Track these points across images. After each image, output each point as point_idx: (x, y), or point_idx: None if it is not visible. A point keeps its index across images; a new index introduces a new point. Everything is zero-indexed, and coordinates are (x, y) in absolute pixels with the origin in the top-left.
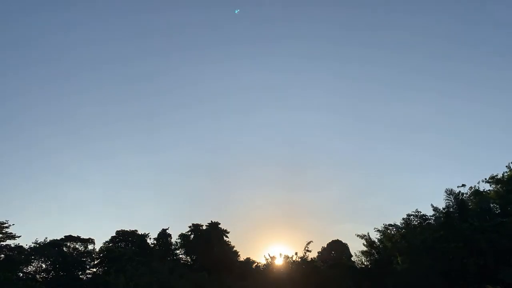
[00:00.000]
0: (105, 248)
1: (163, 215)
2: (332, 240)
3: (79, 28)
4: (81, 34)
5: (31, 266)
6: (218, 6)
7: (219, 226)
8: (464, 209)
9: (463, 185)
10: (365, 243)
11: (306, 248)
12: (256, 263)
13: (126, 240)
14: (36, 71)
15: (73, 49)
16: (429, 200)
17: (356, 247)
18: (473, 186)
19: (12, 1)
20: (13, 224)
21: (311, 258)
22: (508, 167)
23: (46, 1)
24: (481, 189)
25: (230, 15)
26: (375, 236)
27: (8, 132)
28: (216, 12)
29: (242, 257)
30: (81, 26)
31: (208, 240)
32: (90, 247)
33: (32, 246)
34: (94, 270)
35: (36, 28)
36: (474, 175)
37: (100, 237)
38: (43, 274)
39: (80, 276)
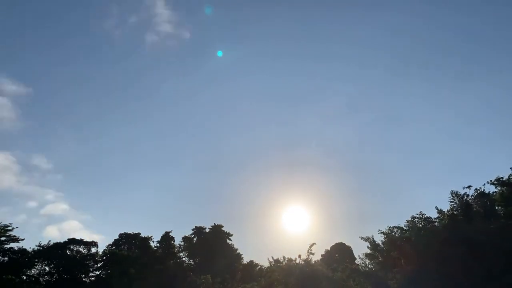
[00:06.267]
0: (108, 251)
1: (166, 218)
2: (336, 243)
3: None
4: None
5: (35, 269)
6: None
7: (222, 228)
8: (469, 211)
9: (468, 187)
10: (369, 245)
11: (310, 251)
12: (260, 266)
13: (129, 243)
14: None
15: None
16: (433, 202)
17: (360, 250)
18: (478, 188)
19: None
20: (17, 227)
21: (315, 261)
22: None
23: None
24: (487, 191)
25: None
26: (379, 239)
27: None
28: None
29: (245, 260)
30: None
31: (211, 243)
32: (93, 250)
33: (36, 249)
34: (98, 273)
35: None
36: (479, 177)
37: (103, 240)
38: (47, 277)
39: (84, 279)
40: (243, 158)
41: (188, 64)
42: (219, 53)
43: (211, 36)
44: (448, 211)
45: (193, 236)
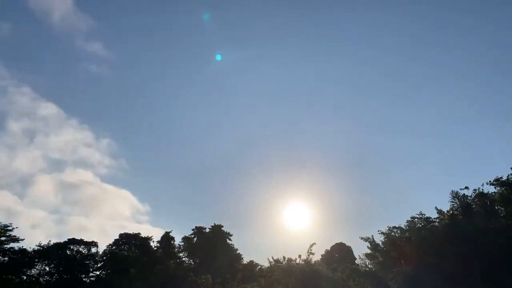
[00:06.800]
0: (109, 251)
1: (166, 218)
2: (336, 243)
3: None
4: None
5: (35, 269)
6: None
7: (222, 228)
8: (468, 212)
9: (466, 188)
10: (369, 246)
11: (310, 251)
12: (260, 266)
13: (129, 243)
14: None
15: None
16: (433, 202)
17: (360, 250)
18: (477, 188)
19: None
20: (17, 227)
21: (315, 261)
22: None
23: None
24: (486, 192)
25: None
26: (379, 239)
27: None
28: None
29: (245, 260)
30: None
31: (211, 243)
32: (93, 250)
33: (36, 249)
34: (98, 273)
35: None
36: (478, 178)
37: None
38: (47, 277)
39: (84, 279)
40: (243, 158)
41: (189, 67)
42: (218, 57)
43: (210, 40)
44: (448, 211)
45: (193, 236)
